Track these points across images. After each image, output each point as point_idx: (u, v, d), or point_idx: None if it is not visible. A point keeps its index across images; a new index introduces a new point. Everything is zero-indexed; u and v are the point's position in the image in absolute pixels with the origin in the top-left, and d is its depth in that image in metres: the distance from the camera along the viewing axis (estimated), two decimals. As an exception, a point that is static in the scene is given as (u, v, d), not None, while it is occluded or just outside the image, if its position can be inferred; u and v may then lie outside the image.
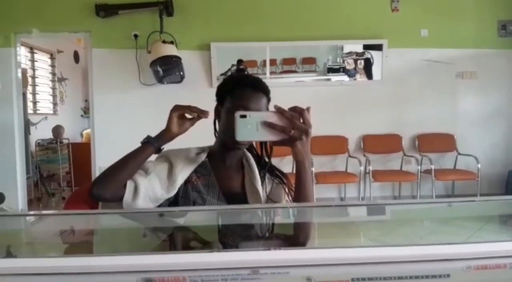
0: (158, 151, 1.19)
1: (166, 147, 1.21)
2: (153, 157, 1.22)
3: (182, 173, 1.19)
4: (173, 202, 1.20)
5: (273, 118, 0.97)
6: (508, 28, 4.62)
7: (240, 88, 1.22)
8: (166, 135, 1.16)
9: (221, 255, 0.58)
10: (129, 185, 1.12)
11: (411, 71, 4.58)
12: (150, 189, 1.14)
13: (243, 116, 0.96)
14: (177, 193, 1.20)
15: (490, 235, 0.97)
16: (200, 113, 1.15)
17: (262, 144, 1.28)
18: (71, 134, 6.12)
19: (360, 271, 0.58)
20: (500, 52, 4.64)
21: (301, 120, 1.00)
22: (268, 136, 0.98)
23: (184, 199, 1.20)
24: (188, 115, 1.16)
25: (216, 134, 1.29)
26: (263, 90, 1.23)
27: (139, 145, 1.18)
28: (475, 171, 4.28)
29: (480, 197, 1.03)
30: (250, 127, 0.96)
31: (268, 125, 0.97)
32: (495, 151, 4.66)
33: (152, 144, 1.16)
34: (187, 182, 1.21)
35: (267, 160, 1.30)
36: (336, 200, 4.62)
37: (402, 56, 4.54)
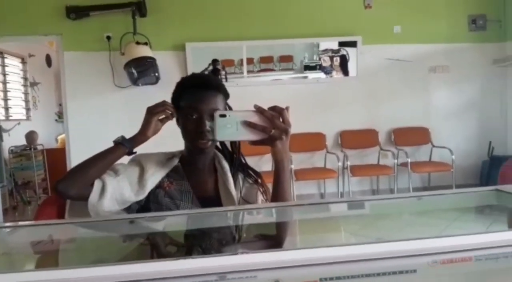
0: (130, 153, 1.17)
1: (138, 149, 1.20)
2: (124, 159, 1.21)
3: (153, 177, 1.18)
4: (144, 207, 1.18)
5: (254, 118, 0.97)
6: (478, 23, 4.73)
7: (188, 91, 1.20)
8: (140, 138, 1.16)
9: (188, 262, 0.57)
10: (97, 184, 1.11)
11: (386, 67, 4.64)
12: (118, 190, 1.12)
13: (223, 115, 0.96)
14: (149, 198, 1.18)
15: (463, 227, 0.99)
16: (173, 112, 1.16)
17: (232, 142, 1.28)
18: (45, 139, 5.98)
19: (328, 271, 0.59)
20: (471, 46, 4.74)
21: (281, 120, 1.00)
22: (248, 135, 0.98)
23: (156, 204, 1.18)
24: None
25: None
26: (214, 87, 1.21)
27: (112, 144, 1.16)
28: (449, 163, 4.38)
29: (450, 189, 1.07)
30: (230, 127, 0.96)
31: (248, 124, 0.96)
32: (469, 143, 4.77)
33: (124, 145, 1.14)
34: (158, 187, 1.19)
35: (241, 159, 1.30)
36: (316, 196, 4.66)
37: (376, 53, 4.59)
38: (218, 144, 1.30)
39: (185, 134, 1.21)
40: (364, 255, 0.61)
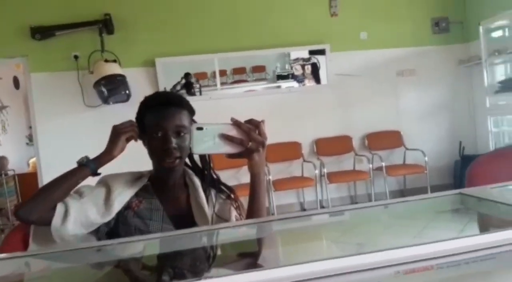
0: (95, 174, 1.15)
1: (104, 169, 1.18)
2: (91, 181, 1.18)
3: (120, 197, 1.16)
4: (113, 229, 1.16)
5: (231, 131, 0.98)
6: (441, 25, 4.88)
7: (150, 111, 1.19)
8: (106, 157, 1.14)
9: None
10: (59, 208, 1.09)
11: (355, 73, 4.71)
12: (82, 213, 1.10)
13: (200, 128, 0.96)
14: (118, 220, 1.16)
15: (432, 233, 1.01)
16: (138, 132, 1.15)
17: (202, 158, 1.27)
18: (17, 164, 5.82)
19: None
20: (435, 48, 4.88)
21: (257, 133, 1.01)
22: (226, 148, 0.98)
23: (125, 226, 1.16)
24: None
25: None
26: (177, 103, 1.20)
27: (75, 165, 1.14)
28: (423, 164, 4.46)
29: (416, 196, 1.09)
30: (207, 140, 0.96)
31: (226, 137, 0.97)
32: (441, 143, 4.87)
33: (88, 166, 1.12)
34: (127, 208, 1.17)
35: (212, 174, 1.29)
36: (295, 205, 4.67)
37: (345, 60, 4.67)
38: (187, 160, 1.28)
39: (152, 153, 1.19)
40: (327, 271, 0.61)
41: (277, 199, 4.34)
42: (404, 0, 4.83)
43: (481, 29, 4.33)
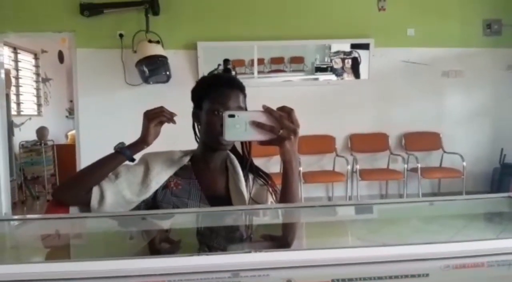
0: (131, 160, 1.17)
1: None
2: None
3: (158, 177, 1.18)
4: (152, 207, 1.18)
5: (262, 118, 0.97)
6: (493, 27, 4.68)
7: (216, 89, 1.21)
8: (141, 145, 1.16)
9: (201, 259, 0.57)
10: (95, 191, 1.12)
11: (398, 70, 4.61)
12: (117, 194, 1.13)
13: (232, 116, 0.96)
14: (156, 198, 1.19)
15: (474, 233, 0.98)
16: (171, 118, 1.15)
17: (243, 144, 1.28)
18: (56, 135, 6.03)
19: (340, 272, 0.59)
20: (485, 51, 4.69)
21: (289, 120, 1.00)
22: (257, 135, 0.98)
23: (164, 203, 1.18)
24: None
25: (198, 139, 1.28)
26: (238, 87, 1.23)
27: (112, 151, 1.16)
28: (460, 169, 4.34)
29: (462, 195, 1.06)
30: (239, 127, 0.96)
31: (257, 125, 0.97)
32: (480, 149, 4.72)
33: (124, 154, 1.15)
34: (165, 187, 1.20)
35: (252, 160, 1.30)
36: (324, 199, 4.64)
37: (389, 56, 4.57)
38: None
39: (209, 130, 1.19)
40: (377, 257, 0.61)
41: (306, 191, 4.32)
42: (456, -2, 4.66)
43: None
